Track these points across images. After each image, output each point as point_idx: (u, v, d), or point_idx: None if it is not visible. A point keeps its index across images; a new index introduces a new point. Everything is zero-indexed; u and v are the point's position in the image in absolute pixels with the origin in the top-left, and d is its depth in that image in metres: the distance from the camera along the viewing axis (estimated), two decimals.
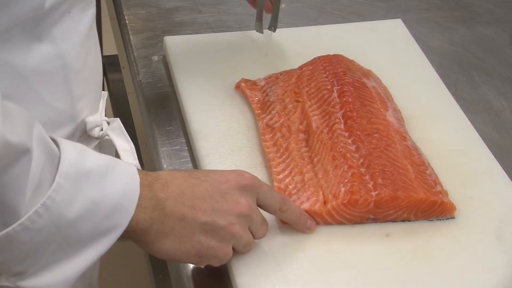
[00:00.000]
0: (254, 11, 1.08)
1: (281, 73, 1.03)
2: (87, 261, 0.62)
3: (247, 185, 0.73)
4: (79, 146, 0.62)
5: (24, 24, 0.67)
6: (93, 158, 0.62)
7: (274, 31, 1.07)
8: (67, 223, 0.59)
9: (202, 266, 0.77)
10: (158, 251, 0.70)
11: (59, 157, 0.59)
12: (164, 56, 1.11)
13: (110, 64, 1.73)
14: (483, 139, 0.99)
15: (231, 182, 0.72)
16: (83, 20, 0.76)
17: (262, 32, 1.08)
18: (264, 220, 0.76)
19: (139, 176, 0.66)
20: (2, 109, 0.54)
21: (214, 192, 0.70)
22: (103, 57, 1.94)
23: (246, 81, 1.02)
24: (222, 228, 0.70)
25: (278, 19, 1.06)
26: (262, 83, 1.01)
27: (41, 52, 0.71)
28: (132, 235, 0.67)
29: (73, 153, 0.60)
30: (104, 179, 0.62)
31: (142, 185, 0.65)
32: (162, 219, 0.67)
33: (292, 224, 0.81)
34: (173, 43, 1.09)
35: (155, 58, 1.11)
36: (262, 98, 0.99)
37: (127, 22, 1.18)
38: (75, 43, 0.75)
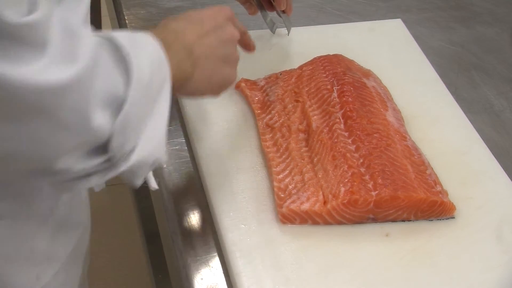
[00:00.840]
0: None
1: (281, 73, 1.03)
2: (165, 114, 0.71)
3: (231, 16, 0.87)
4: (107, 31, 0.68)
5: None
6: (122, 33, 0.68)
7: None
8: (147, 85, 0.67)
9: (218, 96, 0.87)
10: (194, 91, 0.82)
11: (117, 42, 0.66)
12: None
13: None
14: (483, 139, 0.99)
15: (221, 16, 0.85)
16: None
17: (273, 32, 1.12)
18: None
19: (162, 36, 0.74)
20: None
21: (216, 27, 0.83)
22: None
23: (246, 81, 1.02)
24: (231, 55, 0.85)
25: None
26: (262, 83, 1.01)
27: None
28: (181, 84, 0.78)
29: (118, 33, 0.67)
30: (142, 42, 0.69)
31: (169, 41, 0.76)
32: (196, 62, 0.79)
33: (246, 45, 0.96)
34: None
35: None
36: (262, 98, 0.99)
37: (127, 22, 1.18)
38: None
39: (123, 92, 0.63)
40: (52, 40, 0.54)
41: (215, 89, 0.85)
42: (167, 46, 0.73)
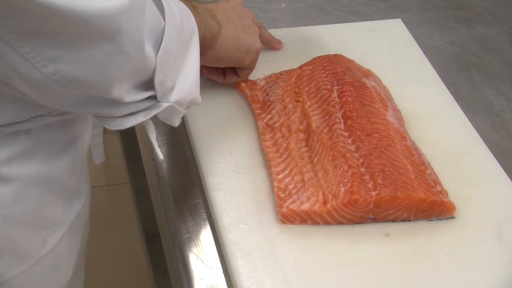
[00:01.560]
0: (254, 10, 1.08)
1: (281, 73, 1.03)
2: (196, 57, 0.79)
3: (241, 2, 0.99)
4: None
5: None
6: None
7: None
8: (180, 25, 0.74)
9: (246, 63, 0.96)
10: (223, 54, 0.91)
11: None
12: None
13: None
14: (483, 139, 0.99)
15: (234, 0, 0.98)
16: None
17: None
18: None
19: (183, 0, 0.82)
20: None
21: (233, 6, 0.96)
22: None
23: (246, 81, 1.02)
24: (249, 27, 0.95)
25: None
26: (262, 83, 1.01)
27: None
28: (209, 43, 0.87)
29: None
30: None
31: (192, 4, 0.84)
32: (221, 25, 0.89)
33: (267, 41, 1.07)
34: None
35: None
36: (262, 98, 0.99)
37: None
38: None
39: (162, 27, 0.70)
40: None
41: (243, 54, 0.93)
42: (192, 7, 0.82)
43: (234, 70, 0.99)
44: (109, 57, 0.63)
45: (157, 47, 0.70)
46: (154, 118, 0.76)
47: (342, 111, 0.92)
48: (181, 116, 0.81)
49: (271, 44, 1.08)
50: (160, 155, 0.82)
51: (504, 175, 0.94)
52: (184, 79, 0.77)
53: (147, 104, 0.73)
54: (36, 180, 0.77)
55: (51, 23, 0.57)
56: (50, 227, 0.83)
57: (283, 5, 1.22)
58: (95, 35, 0.60)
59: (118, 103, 0.69)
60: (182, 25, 0.75)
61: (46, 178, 0.79)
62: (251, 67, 0.98)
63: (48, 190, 0.80)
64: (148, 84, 0.72)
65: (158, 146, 0.80)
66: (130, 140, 1.75)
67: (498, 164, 0.95)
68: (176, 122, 0.81)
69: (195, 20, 0.80)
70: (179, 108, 0.77)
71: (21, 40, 0.58)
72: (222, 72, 1.00)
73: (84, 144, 0.87)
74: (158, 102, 0.74)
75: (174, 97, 0.75)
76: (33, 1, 0.54)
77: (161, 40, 0.70)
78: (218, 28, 0.88)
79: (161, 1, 0.71)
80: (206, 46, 0.87)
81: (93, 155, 1.00)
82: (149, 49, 0.68)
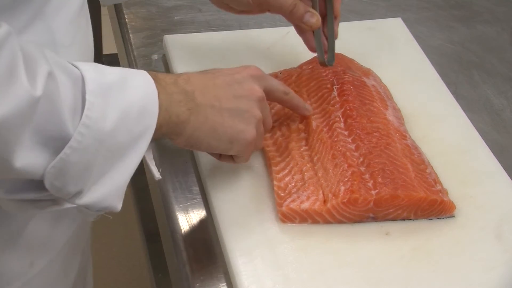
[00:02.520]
0: None
1: (281, 72, 1.02)
2: (131, 166, 0.68)
3: (256, 74, 0.82)
4: (93, 64, 0.67)
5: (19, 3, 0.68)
6: (109, 72, 0.66)
7: (332, 64, 0.97)
8: (106, 135, 0.63)
9: (233, 154, 0.82)
10: (196, 141, 0.76)
11: (82, 78, 0.63)
12: (164, 55, 1.11)
13: (110, 63, 1.72)
14: (483, 138, 0.99)
15: (243, 73, 0.81)
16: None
17: (325, 64, 0.96)
18: (269, 109, 0.86)
19: (161, 77, 0.72)
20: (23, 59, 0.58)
21: (231, 81, 0.79)
22: (103, 55, 1.94)
23: None
24: (246, 112, 0.79)
25: (334, 51, 0.98)
26: None
27: (32, 27, 0.70)
28: (173, 130, 0.73)
29: (93, 72, 0.64)
30: (124, 88, 0.66)
31: (167, 83, 0.72)
32: (196, 109, 0.74)
33: (294, 108, 0.90)
34: (173, 42, 1.09)
35: (155, 57, 1.11)
36: None
37: (127, 21, 1.18)
38: (65, 20, 0.75)
39: (67, 137, 0.61)
40: None
41: (224, 144, 0.78)
42: (162, 86, 0.71)
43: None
44: None
45: (54, 155, 0.61)
46: None
47: (342, 110, 0.92)
48: (97, 215, 0.70)
49: (298, 111, 0.91)
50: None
51: (504, 174, 0.94)
52: (101, 186, 0.66)
53: (46, 197, 0.65)
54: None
55: None
56: (38, 249, 0.79)
57: None
58: None
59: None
60: (117, 130, 0.64)
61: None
62: (244, 156, 0.83)
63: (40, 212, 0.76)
64: (39, 183, 0.63)
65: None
66: None
67: (498, 163, 0.95)
68: (90, 219, 0.71)
69: (157, 109, 0.69)
70: (89, 211, 0.67)
71: None
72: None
73: None
74: (58, 200, 0.66)
75: (81, 201, 0.65)
76: None
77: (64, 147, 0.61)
78: (186, 115, 0.73)
79: (84, 104, 0.62)
80: (170, 132, 0.73)
81: None
82: (30, 160, 0.59)
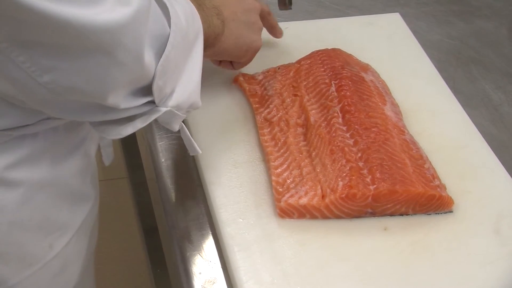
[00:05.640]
0: None
1: (279, 67, 1.02)
2: (198, 63, 0.79)
3: None
4: None
5: None
6: None
7: (290, 6, 1.09)
8: (185, 32, 0.74)
9: (243, 61, 0.97)
10: (223, 51, 0.91)
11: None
12: None
13: None
14: (481, 133, 0.99)
15: None
16: None
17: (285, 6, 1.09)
18: None
19: None
20: None
21: (239, 1, 0.93)
22: None
23: (244, 75, 1.02)
24: (254, 23, 0.94)
25: None
26: (260, 77, 1.01)
27: None
28: (210, 39, 0.86)
29: None
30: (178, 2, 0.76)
31: (197, 2, 0.83)
32: (225, 22, 0.88)
33: (271, 27, 1.04)
34: None
35: None
36: (260, 92, 0.99)
37: None
38: None
39: (167, 34, 0.70)
40: None
41: (242, 52, 0.93)
42: (198, 4, 0.82)
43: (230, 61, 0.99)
44: (105, 68, 0.63)
45: (159, 54, 0.70)
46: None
47: (340, 105, 0.92)
48: (181, 121, 0.80)
49: (273, 30, 1.05)
50: (198, 149, 0.83)
51: (502, 169, 0.94)
52: (184, 84, 0.76)
53: (145, 109, 0.73)
54: (43, 184, 0.77)
55: (49, 34, 0.57)
56: (57, 231, 0.82)
57: None
58: (92, 48, 0.60)
59: (114, 109, 0.69)
60: (187, 29, 0.74)
61: (53, 182, 0.78)
62: (247, 62, 0.98)
63: (55, 193, 0.79)
64: (146, 90, 0.71)
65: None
66: (129, 135, 1.75)
67: (496, 158, 0.95)
68: (176, 127, 0.79)
69: (201, 19, 0.79)
70: (178, 112, 0.76)
71: (17, 49, 0.58)
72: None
73: (92, 145, 0.87)
74: (156, 107, 0.74)
75: (173, 102, 0.75)
76: (32, 11, 0.54)
77: (164, 47, 0.70)
78: (222, 27, 0.87)
79: (167, 7, 0.71)
80: (208, 44, 0.85)
81: (103, 155, 0.99)
82: (149, 59, 0.68)
